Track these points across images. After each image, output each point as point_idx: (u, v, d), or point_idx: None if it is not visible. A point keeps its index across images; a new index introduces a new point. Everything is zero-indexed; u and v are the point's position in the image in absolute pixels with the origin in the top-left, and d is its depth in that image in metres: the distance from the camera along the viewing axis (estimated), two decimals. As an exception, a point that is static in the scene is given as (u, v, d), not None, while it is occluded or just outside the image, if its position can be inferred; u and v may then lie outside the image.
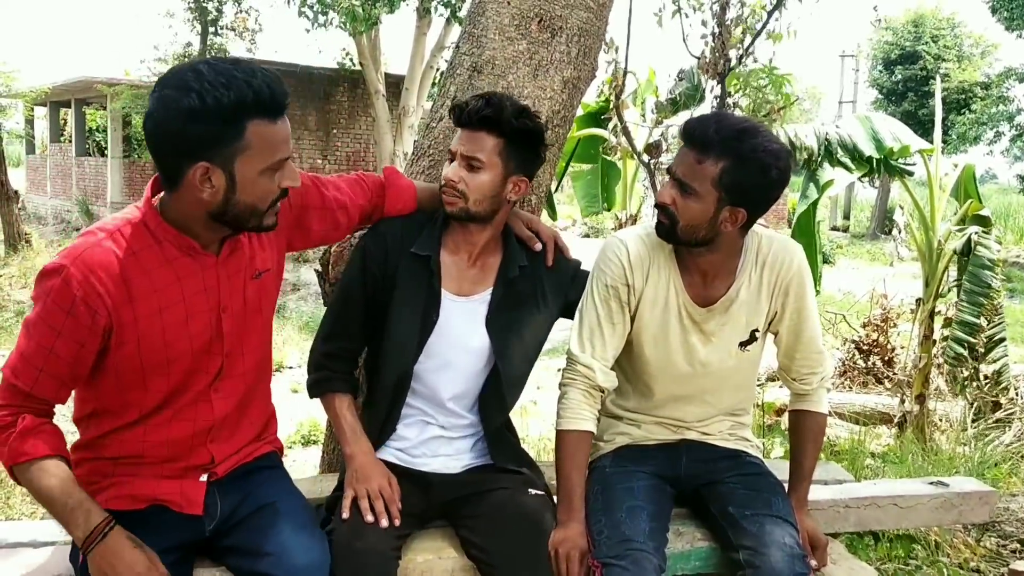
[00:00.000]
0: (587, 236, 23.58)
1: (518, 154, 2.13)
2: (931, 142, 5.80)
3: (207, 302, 1.89)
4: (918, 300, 6.08)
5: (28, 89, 17.75)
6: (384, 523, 2.01)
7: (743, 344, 2.21)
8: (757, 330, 2.21)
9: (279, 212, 1.87)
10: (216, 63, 1.72)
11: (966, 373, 5.67)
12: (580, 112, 6.18)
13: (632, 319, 2.21)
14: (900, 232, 6.27)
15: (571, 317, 2.30)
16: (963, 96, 27.21)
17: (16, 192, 16.71)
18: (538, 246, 2.28)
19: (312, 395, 2.27)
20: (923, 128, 21.19)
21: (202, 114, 1.66)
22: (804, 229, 5.43)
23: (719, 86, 5.58)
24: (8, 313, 11.56)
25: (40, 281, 1.77)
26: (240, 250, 1.94)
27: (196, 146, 1.70)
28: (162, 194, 1.85)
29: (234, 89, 1.67)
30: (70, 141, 23.00)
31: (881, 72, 30.14)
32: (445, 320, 2.18)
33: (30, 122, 23.64)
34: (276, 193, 1.81)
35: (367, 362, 2.27)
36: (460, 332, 2.19)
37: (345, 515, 2.03)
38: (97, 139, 23.79)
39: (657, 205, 2.09)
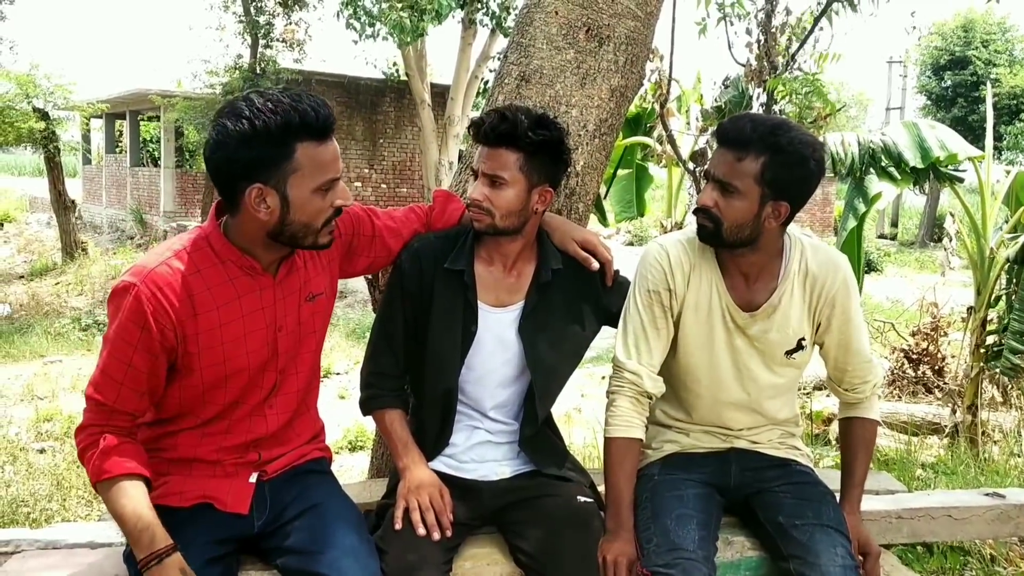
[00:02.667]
0: (631, 244, 23.50)
1: (540, 165, 2.13)
2: (981, 148, 5.69)
3: (264, 320, 1.97)
4: (969, 309, 5.96)
5: (84, 102, 18.17)
6: (436, 536, 2.04)
7: (789, 353, 2.20)
8: (804, 339, 2.19)
9: (334, 231, 1.95)
10: (267, 92, 1.84)
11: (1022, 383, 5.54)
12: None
13: (676, 324, 2.21)
14: (951, 240, 6.16)
15: (614, 325, 2.30)
16: (1014, 102, 26.64)
17: (73, 202, 17.21)
18: (595, 265, 2.27)
19: (364, 413, 2.31)
20: (973, 134, 20.78)
21: (253, 138, 1.78)
22: (848, 242, 5.35)
23: (765, 93, 5.55)
24: (65, 319, 11.82)
25: (113, 299, 1.87)
26: (296, 272, 2.03)
27: (250, 169, 1.81)
28: (226, 217, 1.94)
29: (281, 113, 1.78)
30: (125, 152, 23.47)
31: (930, 78, 29.64)
32: (483, 332, 2.20)
33: (86, 135, 24.16)
34: (329, 211, 1.90)
35: (412, 376, 2.30)
36: (498, 343, 2.21)
37: (398, 526, 2.05)
38: (151, 150, 24.29)
39: (698, 209, 2.09)
